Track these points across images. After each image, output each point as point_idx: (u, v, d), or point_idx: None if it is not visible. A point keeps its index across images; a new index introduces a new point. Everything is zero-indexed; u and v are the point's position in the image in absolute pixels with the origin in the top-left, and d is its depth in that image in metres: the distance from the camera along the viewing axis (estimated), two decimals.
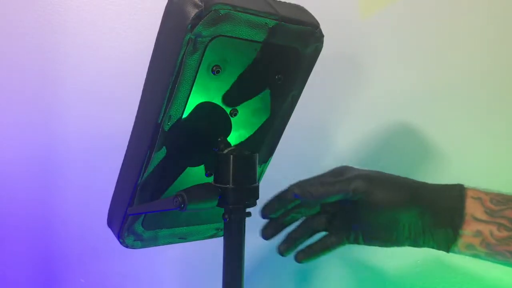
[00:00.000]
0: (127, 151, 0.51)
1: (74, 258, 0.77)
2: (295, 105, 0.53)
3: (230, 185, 0.45)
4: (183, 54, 0.41)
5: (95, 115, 0.74)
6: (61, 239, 0.77)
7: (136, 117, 0.48)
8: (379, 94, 0.79)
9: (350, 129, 0.80)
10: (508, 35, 0.78)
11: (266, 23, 0.43)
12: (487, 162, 0.79)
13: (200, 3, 0.39)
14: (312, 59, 0.49)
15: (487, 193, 0.46)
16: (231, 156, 0.45)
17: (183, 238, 0.55)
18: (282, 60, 0.48)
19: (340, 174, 0.50)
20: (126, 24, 0.73)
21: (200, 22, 0.39)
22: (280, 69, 0.48)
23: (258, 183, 0.47)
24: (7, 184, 0.74)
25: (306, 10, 0.47)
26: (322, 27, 0.47)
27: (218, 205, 0.45)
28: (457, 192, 0.46)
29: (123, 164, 0.51)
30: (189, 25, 0.39)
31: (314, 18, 0.47)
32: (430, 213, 0.46)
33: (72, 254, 0.77)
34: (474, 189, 0.46)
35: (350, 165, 0.52)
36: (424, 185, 0.48)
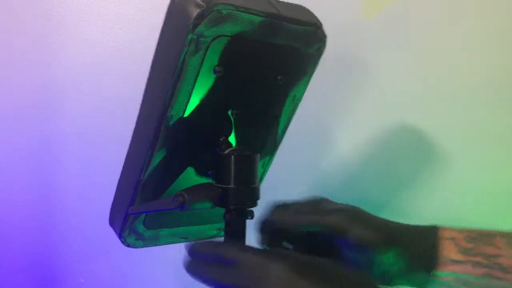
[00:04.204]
0: (129, 150, 0.51)
1: (74, 258, 0.77)
2: (297, 106, 0.53)
3: (231, 185, 0.45)
4: (185, 54, 0.41)
5: (97, 114, 0.74)
6: (62, 238, 0.77)
7: (138, 116, 0.48)
8: (382, 95, 0.79)
9: (352, 130, 0.79)
10: (510, 36, 0.78)
11: (267, 23, 0.43)
12: (488, 163, 0.79)
13: (202, 3, 0.39)
14: (315, 59, 0.49)
15: (461, 231, 0.46)
16: (232, 156, 0.45)
17: (184, 238, 0.55)
18: (284, 61, 0.47)
19: (317, 205, 0.48)
20: (127, 24, 0.73)
21: (202, 22, 0.39)
22: (282, 69, 0.48)
23: (260, 184, 0.47)
24: (6, 183, 0.74)
25: (309, 10, 0.47)
26: (325, 27, 0.47)
27: (219, 205, 0.45)
28: (432, 234, 0.46)
29: (125, 164, 0.51)
30: (191, 25, 0.39)
31: (317, 19, 0.47)
32: (406, 256, 0.45)
33: (73, 254, 0.77)
34: (449, 229, 0.46)
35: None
36: (400, 227, 0.47)
